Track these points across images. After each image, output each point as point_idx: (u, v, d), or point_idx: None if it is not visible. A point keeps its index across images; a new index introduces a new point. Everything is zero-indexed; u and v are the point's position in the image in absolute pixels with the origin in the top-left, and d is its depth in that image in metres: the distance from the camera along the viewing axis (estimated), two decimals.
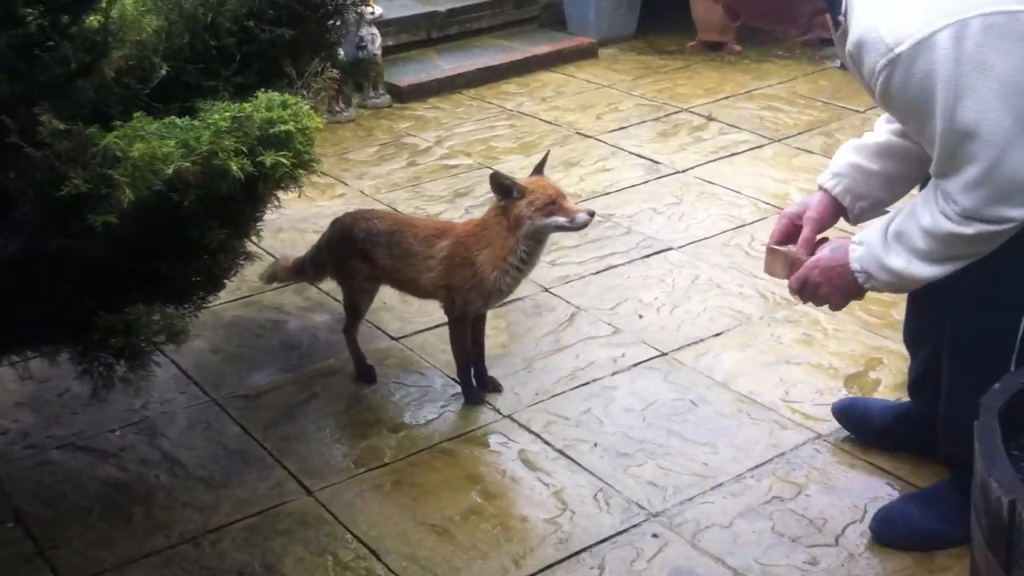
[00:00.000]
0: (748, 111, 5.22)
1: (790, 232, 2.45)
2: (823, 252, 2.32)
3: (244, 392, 3.20)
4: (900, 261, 2.16)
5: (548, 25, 6.59)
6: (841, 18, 2.09)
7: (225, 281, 2.76)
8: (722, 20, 5.99)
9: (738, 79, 5.69)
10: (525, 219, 2.86)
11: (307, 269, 3.37)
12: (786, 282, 2.39)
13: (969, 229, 2.05)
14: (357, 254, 3.12)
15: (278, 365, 3.35)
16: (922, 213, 2.12)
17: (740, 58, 6.03)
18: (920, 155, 2.21)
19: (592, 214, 2.88)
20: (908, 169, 2.38)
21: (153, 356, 2.44)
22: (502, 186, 2.89)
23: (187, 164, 2.01)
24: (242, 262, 2.82)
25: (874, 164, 2.41)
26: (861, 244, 2.23)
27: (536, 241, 2.93)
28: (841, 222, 2.45)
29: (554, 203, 2.85)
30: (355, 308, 3.23)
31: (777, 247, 2.43)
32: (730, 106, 5.31)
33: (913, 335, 2.71)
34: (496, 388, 3.14)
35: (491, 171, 2.95)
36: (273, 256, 3.89)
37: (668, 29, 6.36)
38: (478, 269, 2.93)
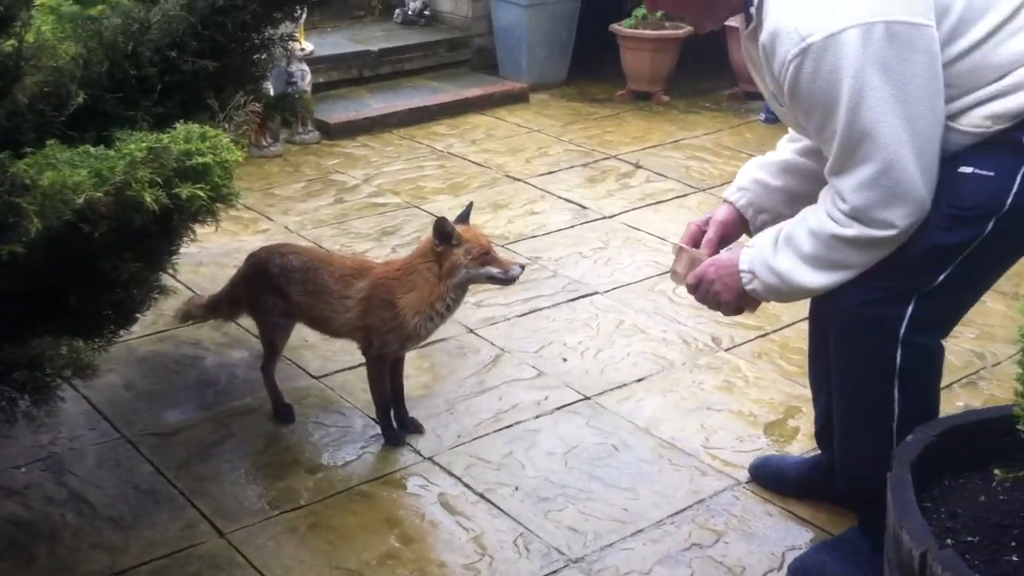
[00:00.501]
0: (674, 160, 5.28)
1: (697, 238, 2.55)
2: (722, 252, 2.43)
3: (157, 430, 3.11)
4: (787, 264, 2.24)
5: (480, 69, 6.63)
6: (752, 11, 2.17)
7: (138, 315, 2.69)
8: (651, 71, 6.08)
9: (665, 129, 5.76)
10: (460, 267, 2.83)
11: (222, 306, 3.28)
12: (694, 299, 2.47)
13: (851, 230, 2.13)
14: (271, 290, 3.06)
15: (193, 402, 3.27)
16: (811, 216, 2.21)
17: (668, 108, 6.11)
18: (819, 174, 2.28)
19: (523, 267, 2.89)
20: (809, 187, 2.44)
21: (60, 391, 2.36)
22: (444, 232, 2.84)
23: (99, 194, 1.95)
24: (156, 296, 2.76)
25: (776, 180, 2.51)
26: (753, 246, 2.33)
27: (463, 290, 2.91)
28: None
29: (487, 253, 2.85)
30: (272, 345, 3.16)
31: (684, 246, 2.53)
32: (657, 155, 5.36)
33: (814, 380, 2.76)
34: (417, 429, 3.09)
35: (436, 217, 2.89)
36: (193, 290, 3.83)
37: (598, 77, 6.43)
38: (399, 312, 2.89)
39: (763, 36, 2.14)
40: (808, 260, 2.22)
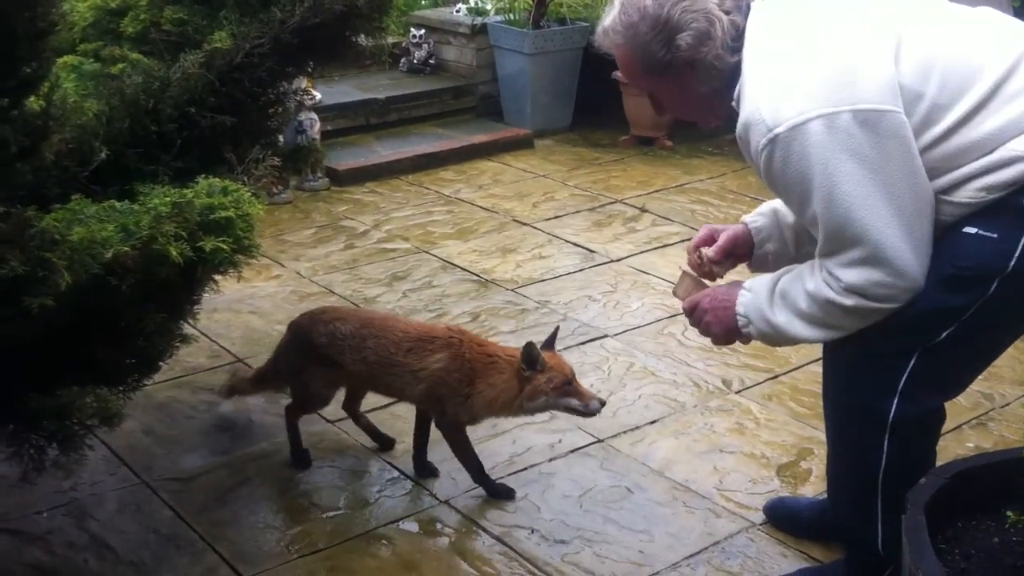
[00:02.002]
0: (679, 204, 5.34)
1: (708, 242, 2.61)
2: (721, 286, 2.47)
3: (176, 475, 3.15)
4: (782, 318, 2.29)
5: (485, 116, 6.71)
6: (735, 104, 2.24)
7: (161, 364, 2.73)
8: (654, 116, 6.15)
9: (669, 173, 5.83)
10: (541, 394, 2.83)
11: (270, 378, 3.22)
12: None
13: (849, 301, 2.18)
14: (318, 360, 3.02)
15: (211, 447, 3.30)
16: (808, 277, 2.25)
17: (671, 153, 6.19)
18: None
19: (603, 403, 2.87)
20: None
21: (86, 439, 2.40)
22: (531, 358, 2.82)
23: (126, 249, 2.01)
24: (178, 344, 2.80)
25: (791, 218, 2.54)
26: (750, 291, 2.37)
27: (535, 412, 2.93)
28: None
29: (570, 383, 2.84)
30: (305, 409, 3.19)
31: (689, 271, 2.59)
32: (662, 199, 5.43)
33: None
34: (432, 473, 3.12)
35: (525, 343, 2.83)
36: (208, 336, 3.88)
37: (602, 123, 6.50)
38: (470, 399, 2.89)
39: (738, 127, 2.21)
40: (803, 317, 2.27)
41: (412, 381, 2.93)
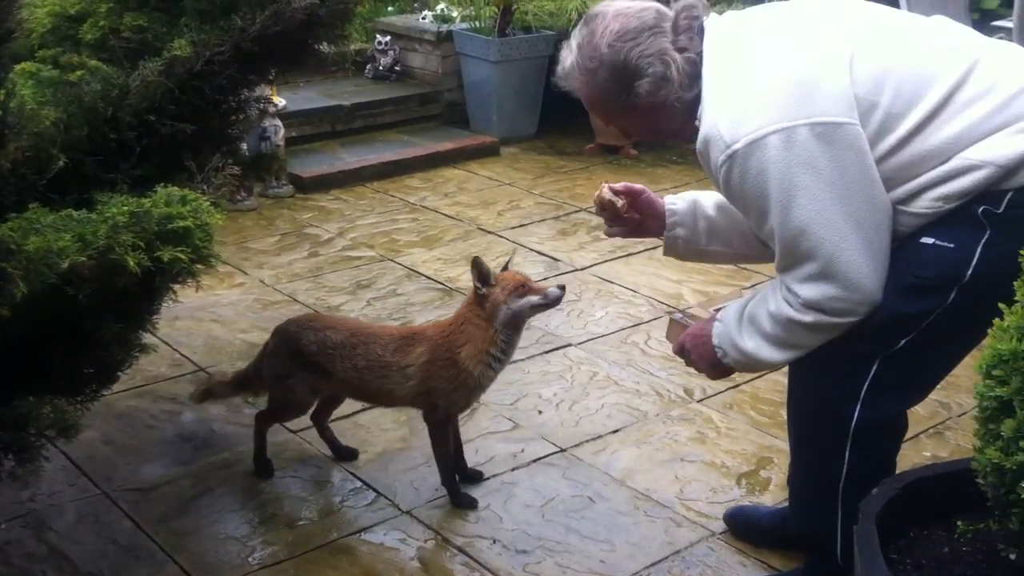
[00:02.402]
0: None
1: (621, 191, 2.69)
2: (701, 322, 2.52)
3: (136, 485, 3.13)
4: (751, 343, 2.34)
5: (451, 123, 6.71)
6: (697, 123, 2.27)
7: (119, 373, 2.71)
8: None
9: (634, 181, 5.79)
10: (500, 304, 2.86)
11: (252, 382, 3.19)
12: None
13: (808, 317, 2.22)
14: (306, 367, 3.01)
15: (172, 457, 3.28)
16: (770, 298, 2.29)
17: (636, 162, 6.22)
18: (749, 234, 2.43)
19: (563, 288, 2.90)
20: (735, 232, 2.58)
21: (43, 450, 2.38)
22: (482, 272, 2.87)
23: (83, 259, 1.99)
24: (137, 354, 2.78)
25: (711, 211, 2.62)
26: (721, 321, 2.42)
27: (513, 329, 2.92)
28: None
29: (524, 285, 2.87)
30: (279, 417, 3.18)
31: (673, 318, 2.66)
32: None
33: None
34: (479, 477, 3.14)
35: (473, 258, 2.90)
36: (169, 345, 3.85)
37: (567, 131, 6.52)
38: (462, 367, 2.89)
39: (698, 143, 2.25)
40: (769, 339, 2.32)
41: (402, 379, 2.95)
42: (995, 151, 2.10)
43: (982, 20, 5.74)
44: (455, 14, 6.70)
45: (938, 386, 3.50)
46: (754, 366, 2.44)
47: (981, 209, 2.13)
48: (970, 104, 2.14)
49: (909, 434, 3.24)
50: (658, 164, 6.16)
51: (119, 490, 3.09)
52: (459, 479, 3.09)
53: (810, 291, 2.19)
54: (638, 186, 2.71)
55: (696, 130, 2.30)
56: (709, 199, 2.63)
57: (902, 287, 2.19)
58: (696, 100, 2.27)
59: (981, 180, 2.11)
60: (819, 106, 2.12)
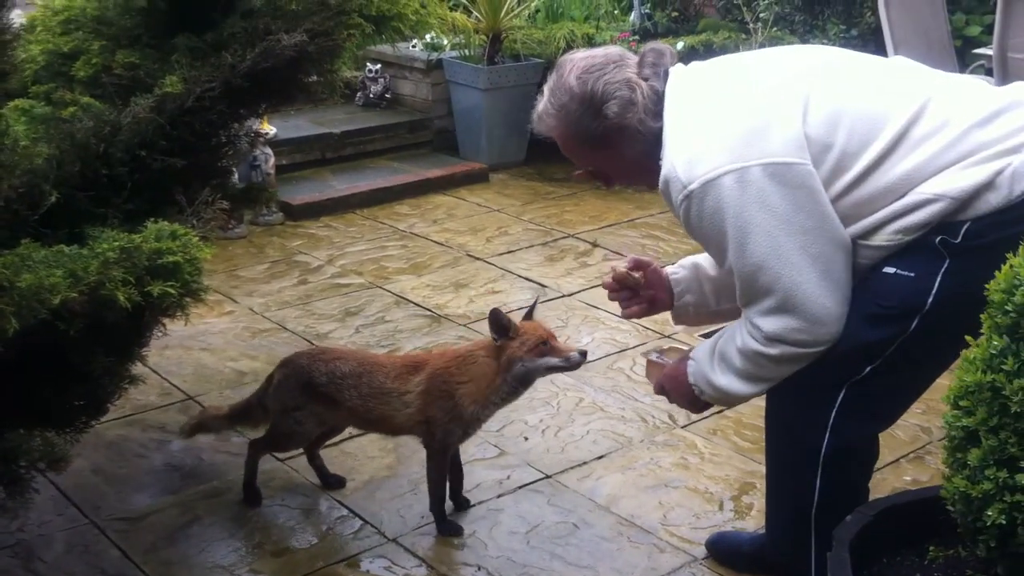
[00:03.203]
0: (631, 239, 5.42)
1: (634, 268, 2.77)
2: (676, 361, 2.59)
3: (124, 514, 3.15)
4: (724, 380, 2.42)
5: (440, 150, 6.78)
6: (660, 164, 2.36)
7: (109, 405, 2.75)
8: None
9: (621, 208, 5.91)
10: (517, 361, 2.85)
11: (255, 413, 3.19)
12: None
13: (773, 350, 2.30)
14: (316, 398, 3.04)
15: (161, 486, 3.31)
16: (738, 334, 2.37)
17: (623, 188, 6.25)
18: None
19: (584, 354, 2.88)
20: None
21: (33, 482, 2.41)
22: (499, 324, 2.87)
23: (74, 294, 2.03)
24: (126, 385, 2.81)
25: (713, 271, 2.67)
26: (695, 360, 2.50)
27: (523, 383, 2.92)
28: None
29: (546, 343, 2.85)
30: (280, 447, 3.21)
31: (650, 359, 2.73)
32: (614, 233, 5.51)
33: None
34: (467, 504, 3.18)
35: (491, 310, 2.91)
36: (158, 374, 3.88)
37: (556, 157, 6.42)
38: (457, 402, 2.92)
39: (660, 183, 2.34)
40: (740, 375, 2.39)
41: (401, 406, 2.98)
42: (949, 185, 2.18)
43: (964, 47, 5.82)
44: (445, 42, 6.77)
45: (918, 410, 3.59)
46: (729, 401, 2.54)
47: (939, 239, 2.20)
48: (924, 140, 2.22)
49: (890, 458, 3.33)
50: (646, 191, 6.20)
51: (108, 519, 3.12)
52: (449, 497, 3.13)
53: (771, 324, 2.27)
54: (644, 258, 2.79)
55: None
56: (708, 259, 2.68)
57: (866, 315, 2.26)
58: (659, 136, 2.36)
59: (936, 213, 2.18)
60: (770, 148, 2.20)
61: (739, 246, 2.23)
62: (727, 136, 2.24)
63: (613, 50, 2.47)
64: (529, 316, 3.00)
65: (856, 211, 2.24)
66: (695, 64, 2.47)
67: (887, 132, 2.22)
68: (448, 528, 3.07)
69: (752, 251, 2.21)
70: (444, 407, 2.94)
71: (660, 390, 2.64)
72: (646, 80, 2.38)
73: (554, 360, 2.86)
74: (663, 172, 2.31)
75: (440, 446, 3.01)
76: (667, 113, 2.35)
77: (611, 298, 2.82)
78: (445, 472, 3.07)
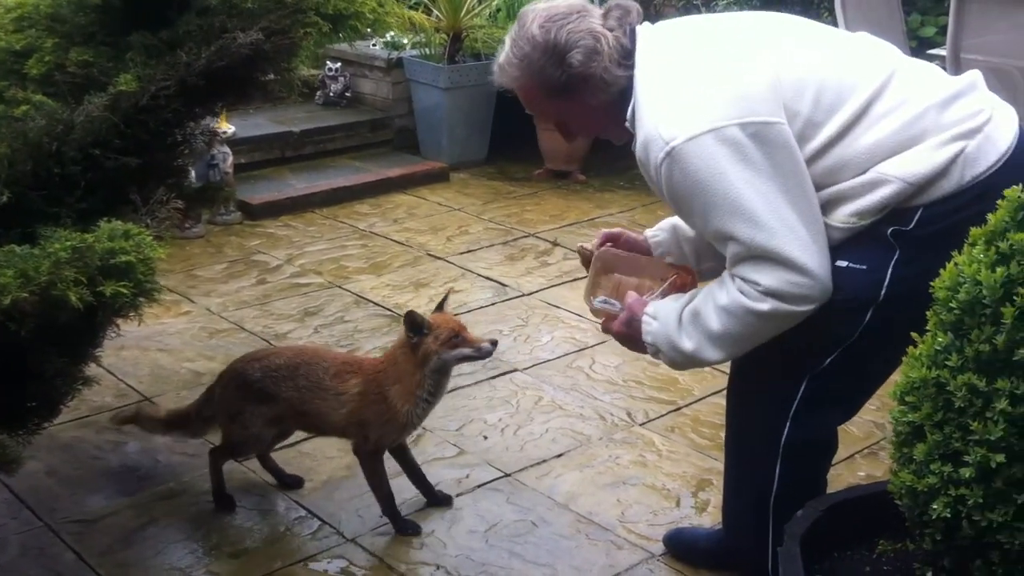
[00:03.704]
0: (591, 238, 5.37)
1: (606, 243, 2.76)
2: (629, 303, 2.50)
3: (80, 517, 3.13)
4: (691, 344, 2.36)
5: (401, 149, 6.76)
6: (628, 125, 2.35)
7: (62, 406, 2.73)
8: (568, 150, 6.27)
9: (582, 207, 5.93)
10: (432, 354, 2.89)
11: (191, 423, 3.19)
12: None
13: (765, 306, 2.25)
14: (254, 397, 3.03)
15: (116, 488, 3.28)
16: (719, 293, 2.32)
17: (584, 187, 6.29)
18: None
19: (495, 343, 2.94)
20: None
21: None
22: (415, 323, 2.90)
23: (25, 295, 2.02)
24: (80, 387, 2.79)
25: (691, 232, 2.66)
26: (655, 319, 2.43)
27: (442, 374, 2.96)
28: None
29: (458, 336, 2.90)
30: (237, 453, 3.19)
31: (594, 307, 2.62)
32: (574, 232, 5.52)
33: None
34: (447, 502, 3.19)
35: (407, 311, 2.93)
36: (115, 375, 3.85)
37: (517, 157, 6.59)
38: (390, 404, 2.93)
39: (637, 148, 2.33)
40: (713, 338, 2.33)
41: (336, 405, 2.98)
42: (904, 168, 2.20)
43: (919, 48, 5.89)
44: (405, 41, 6.76)
45: (872, 406, 3.62)
46: (684, 365, 2.46)
47: (890, 230, 2.22)
48: (884, 116, 2.24)
49: (844, 454, 3.37)
50: (606, 189, 6.24)
51: (63, 522, 3.10)
52: (428, 503, 3.16)
53: (769, 279, 2.21)
54: (614, 230, 2.79)
55: (627, 132, 2.39)
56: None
57: (823, 308, 2.26)
58: (626, 86, 2.34)
59: (891, 195, 2.20)
60: (751, 107, 2.20)
61: (729, 202, 2.19)
62: (707, 96, 2.23)
63: (577, 3, 2.42)
64: (440, 308, 3.03)
65: (818, 182, 2.25)
66: (662, 24, 2.45)
67: (852, 103, 2.24)
68: (406, 527, 3.07)
69: (744, 206, 2.19)
70: (378, 410, 2.95)
71: (608, 331, 2.59)
72: (611, 31, 2.36)
73: (466, 351, 2.92)
74: (642, 134, 2.29)
75: (373, 448, 3.02)
76: (640, 74, 2.33)
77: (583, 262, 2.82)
78: (382, 474, 3.07)
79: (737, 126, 2.19)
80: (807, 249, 2.21)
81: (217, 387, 3.14)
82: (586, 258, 2.76)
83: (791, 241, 2.19)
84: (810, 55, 2.33)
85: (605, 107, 2.41)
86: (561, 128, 2.58)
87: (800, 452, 2.41)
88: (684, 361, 2.41)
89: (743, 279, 2.26)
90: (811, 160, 2.25)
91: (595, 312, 2.64)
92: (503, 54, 2.45)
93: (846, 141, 2.24)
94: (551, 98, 2.44)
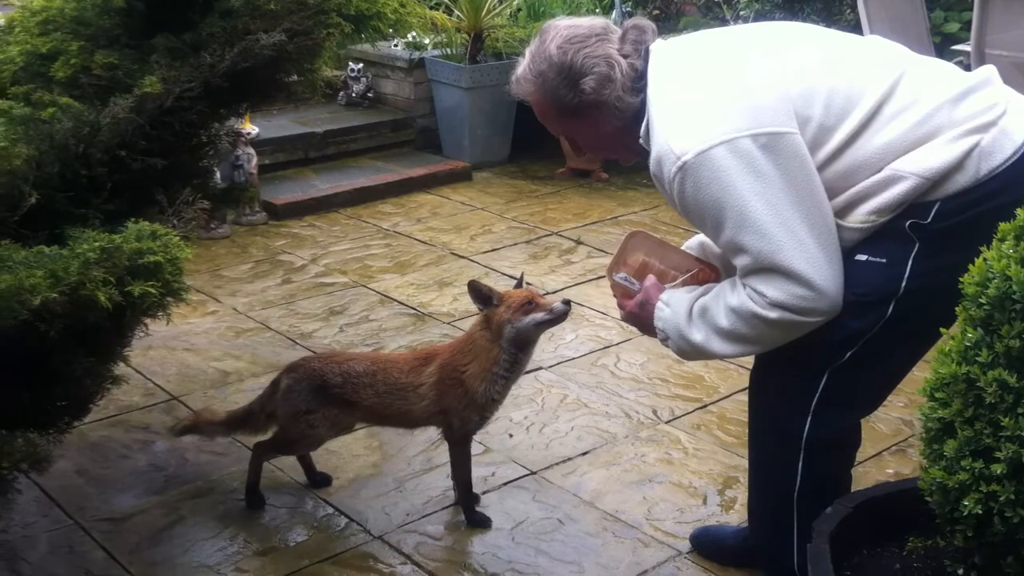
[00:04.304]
0: (614, 236, 5.43)
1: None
2: (646, 285, 2.53)
3: (109, 515, 3.15)
4: (700, 336, 2.39)
5: (423, 148, 6.78)
6: (642, 142, 2.37)
7: (91, 406, 2.75)
8: None
9: (605, 205, 5.92)
10: (505, 323, 2.89)
11: (255, 420, 3.15)
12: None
13: (773, 314, 2.27)
14: (331, 401, 3.03)
15: (145, 487, 3.31)
16: (730, 294, 2.34)
17: (606, 185, 6.29)
18: None
19: (568, 302, 2.91)
20: None
21: (15, 483, 2.41)
22: (480, 293, 2.92)
23: (55, 295, 2.03)
24: (109, 386, 2.81)
25: (719, 248, 2.62)
26: (668, 306, 2.46)
27: (519, 347, 2.94)
28: None
29: (530, 302, 2.89)
30: (292, 451, 3.19)
31: (615, 280, 2.64)
32: (597, 231, 5.52)
33: None
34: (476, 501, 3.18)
35: (469, 281, 2.96)
36: (141, 374, 3.88)
37: (539, 156, 6.59)
38: (467, 386, 2.94)
39: (651, 164, 2.34)
40: (722, 334, 2.36)
41: (416, 399, 3.00)
42: (919, 163, 2.20)
43: (943, 43, 5.85)
44: (427, 41, 6.77)
45: (901, 404, 3.61)
46: (693, 356, 2.50)
47: (908, 223, 2.22)
48: (896, 116, 2.24)
49: (872, 451, 3.35)
50: (628, 187, 6.23)
51: (92, 520, 3.12)
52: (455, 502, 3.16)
53: (776, 292, 2.24)
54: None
55: (639, 150, 2.41)
56: None
57: (843, 304, 2.27)
58: (639, 110, 2.37)
59: (908, 191, 2.20)
60: (761, 118, 2.21)
61: (739, 216, 2.21)
62: (717, 109, 2.25)
63: (598, 21, 2.46)
64: (519, 286, 3.04)
65: (833, 184, 2.26)
66: (675, 40, 2.47)
67: (862, 106, 2.24)
68: (476, 519, 3.09)
69: (754, 220, 2.20)
70: (457, 394, 2.96)
71: (624, 314, 2.62)
72: (626, 57, 2.38)
73: (539, 315, 2.89)
74: (655, 150, 2.31)
75: (460, 435, 3.04)
76: (652, 92, 2.35)
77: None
78: (469, 461, 3.08)
79: (748, 137, 2.21)
80: (815, 263, 2.22)
81: (284, 382, 3.10)
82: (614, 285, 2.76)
83: (798, 255, 2.21)
84: (820, 62, 2.33)
85: (617, 132, 2.44)
86: (572, 143, 2.62)
87: (822, 449, 2.41)
88: (692, 351, 2.44)
89: (752, 289, 2.28)
90: (826, 164, 2.25)
91: (613, 286, 2.66)
92: (521, 67, 2.48)
93: (859, 143, 2.24)
94: (562, 117, 2.47)
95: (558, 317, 2.91)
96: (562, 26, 2.45)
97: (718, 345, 2.37)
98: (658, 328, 2.47)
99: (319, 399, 3.03)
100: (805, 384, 2.37)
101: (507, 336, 2.90)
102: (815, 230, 2.22)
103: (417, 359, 3.07)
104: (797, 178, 2.21)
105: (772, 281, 2.24)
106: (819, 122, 2.24)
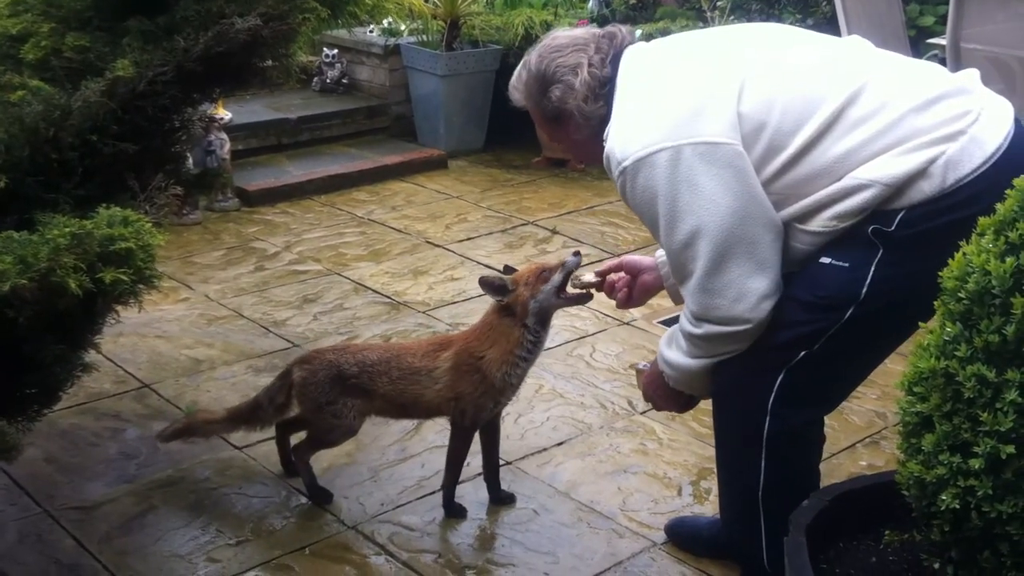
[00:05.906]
0: (590, 226, 5.42)
1: (615, 269, 2.92)
2: (654, 363, 2.65)
3: (79, 503, 3.11)
4: (675, 356, 2.49)
5: (398, 136, 6.74)
6: (604, 143, 2.43)
7: (61, 394, 2.71)
8: None
9: (580, 195, 5.91)
10: (529, 300, 2.88)
11: (261, 412, 3.12)
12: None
13: (699, 329, 2.36)
14: (349, 391, 3.02)
15: (115, 475, 3.27)
16: (682, 316, 2.45)
17: (582, 175, 6.27)
18: None
19: (577, 252, 2.91)
20: None
21: None
22: (493, 286, 2.92)
23: (24, 281, 2.00)
24: (79, 373, 2.77)
25: None
26: (659, 346, 2.59)
27: (543, 321, 2.94)
28: None
29: (544, 270, 2.89)
30: (329, 443, 3.15)
31: (637, 368, 2.84)
32: (573, 220, 5.51)
33: None
34: (510, 500, 3.16)
35: (479, 279, 2.96)
36: (112, 361, 3.83)
37: (515, 144, 6.57)
38: (485, 371, 2.93)
39: (604, 161, 2.40)
40: (688, 353, 2.46)
41: (429, 383, 2.99)
42: (883, 171, 2.20)
43: (918, 37, 5.87)
44: (403, 28, 6.72)
45: (874, 396, 3.63)
46: (682, 380, 2.55)
47: (872, 229, 2.23)
48: (860, 123, 2.24)
49: (845, 444, 3.36)
50: (604, 177, 6.18)
51: (61, 508, 3.08)
52: (491, 500, 3.15)
53: (694, 303, 2.33)
54: (614, 261, 2.92)
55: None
56: None
57: (803, 303, 2.31)
58: (603, 119, 2.43)
59: (870, 199, 2.21)
60: (701, 128, 2.24)
61: (668, 223, 2.28)
62: (662, 116, 2.30)
63: (587, 33, 2.52)
64: (512, 271, 3.03)
65: (792, 191, 2.27)
66: (647, 45, 2.52)
67: (822, 112, 2.24)
68: (455, 510, 3.08)
69: (680, 229, 2.27)
70: (473, 380, 2.95)
71: (646, 395, 2.74)
72: (591, 67, 2.44)
73: (557, 277, 2.87)
74: (606, 149, 2.38)
75: (470, 422, 3.02)
76: (616, 93, 2.42)
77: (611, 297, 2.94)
78: (465, 454, 3.07)
79: (689, 146, 2.24)
80: (734, 274, 2.27)
81: (298, 374, 3.06)
82: (599, 284, 2.89)
83: (717, 267, 2.27)
84: (782, 65, 2.34)
85: (587, 139, 2.50)
86: (559, 146, 2.73)
87: (783, 445, 2.43)
88: (677, 375, 2.53)
89: (685, 304, 2.39)
90: (784, 170, 2.26)
91: (637, 378, 2.84)
92: (515, 75, 2.58)
93: (819, 149, 2.25)
94: (547, 123, 2.57)
95: (571, 268, 2.89)
96: (552, 34, 2.55)
97: (689, 362, 2.47)
98: (661, 369, 2.58)
99: (337, 389, 3.02)
100: (762, 381, 2.40)
101: (532, 311, 2.89)
102: (742, 241, 2.25)
103: (432, 345, 3.08)
104: (731, 188, 2.24)
105: (691, 292, 2.33)
106: (775, 128, 2.25)
